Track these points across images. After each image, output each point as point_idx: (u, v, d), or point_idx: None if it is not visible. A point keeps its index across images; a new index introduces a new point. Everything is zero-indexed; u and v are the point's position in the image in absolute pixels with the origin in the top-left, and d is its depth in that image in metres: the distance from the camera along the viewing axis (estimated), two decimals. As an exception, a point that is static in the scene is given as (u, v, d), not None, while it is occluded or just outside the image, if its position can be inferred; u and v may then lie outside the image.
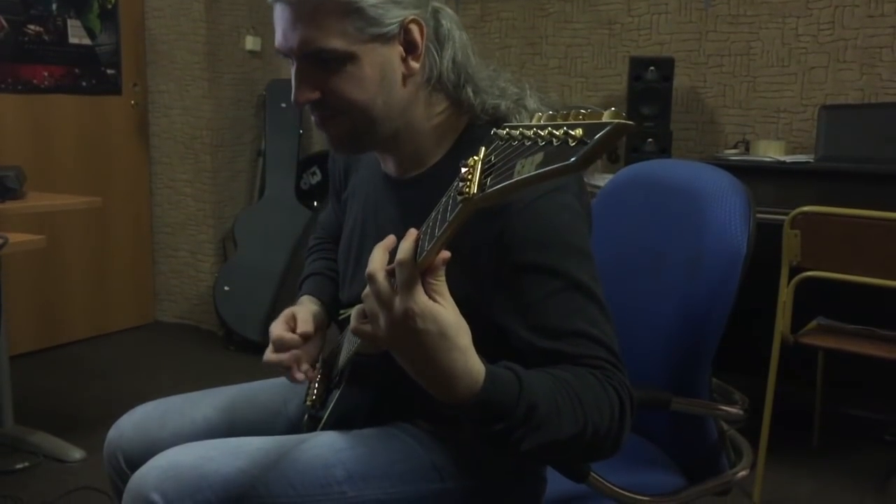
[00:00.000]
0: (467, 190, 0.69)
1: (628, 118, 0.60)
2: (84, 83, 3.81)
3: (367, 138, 1.09)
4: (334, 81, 1.03)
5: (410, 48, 1.06)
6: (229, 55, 3.99)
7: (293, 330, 1.22)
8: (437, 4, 1.10)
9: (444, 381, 0.84)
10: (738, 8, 3.13)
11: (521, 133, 0.65)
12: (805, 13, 3.01)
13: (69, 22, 3.72)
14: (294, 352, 1.19)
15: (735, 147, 3.07)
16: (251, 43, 4.05)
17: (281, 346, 1.19)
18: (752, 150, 2.96)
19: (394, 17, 1.02)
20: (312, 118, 1.10)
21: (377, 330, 0.86)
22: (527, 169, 0.62)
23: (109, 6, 3.88)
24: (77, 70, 3.78)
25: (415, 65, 1.06)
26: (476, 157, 0.70)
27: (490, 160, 0.69)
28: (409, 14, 1.04)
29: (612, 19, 3.38)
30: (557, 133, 0.60)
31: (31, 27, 3.58)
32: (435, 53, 1.08)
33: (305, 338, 1.21)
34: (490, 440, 0.88)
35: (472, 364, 0.85)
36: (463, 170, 0.71)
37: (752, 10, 3.11)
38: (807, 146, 3.00)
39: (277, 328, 1.21)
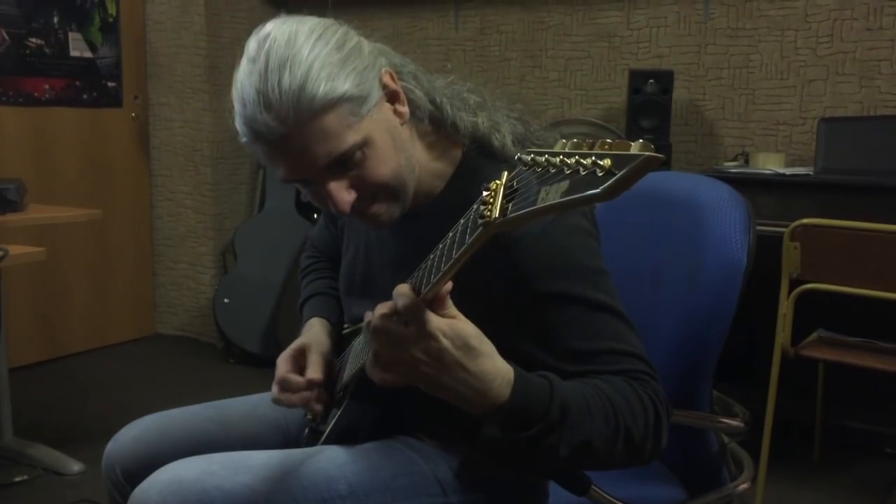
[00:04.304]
0: (488, 213, 0.69)
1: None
2: (85, 96, 3.83)
3: (406, 200, 1.07)
4: (360, 172, 1.00)
5: (393, 97, 1.05)
6: (230, 68, 3.95)
7: (302, 366, 1.21)
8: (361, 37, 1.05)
9: (478, 389, 0.86)
10: (737, 21, 3.14)
11: (547, 160, 0.64)
12: (804, 26, 3.02)
13: (70, 35, 3.73)
14: (304, 394, 1.18)
15: (735, 159, 3.07)
16: (252, 56, 4.06)
17: (286, 387, 1.18)
18: (751, 163, 2.97)
19: (373, 81, 1.00)
20: (351, 218, 1.07)
21: (405, 373, 0.86)
22: (551, 196, 0.61)
23: (111, 19, 3.89)
24: (78, 83, 3.79)
25: (403, 109, 1.06)
26: (498, 182, 0.70)
27: (512, 185, 0.68)
28: (379, 69, 1.02)
29: (611, 32, 3.39)
30: (585, 162, 0.59)
31: (33, 40, 3.59)
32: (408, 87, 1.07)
33: (311, 384, 1.18)
34: (527, 446, 0.89)
35: (500, 364, 0.87)
36: (484, 193, 0.70)
37: (750, 23, 3.12)
38: (806, 158, 3.00)
39: (284, 366, 1.19)
